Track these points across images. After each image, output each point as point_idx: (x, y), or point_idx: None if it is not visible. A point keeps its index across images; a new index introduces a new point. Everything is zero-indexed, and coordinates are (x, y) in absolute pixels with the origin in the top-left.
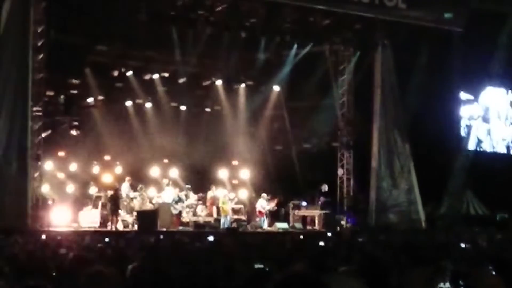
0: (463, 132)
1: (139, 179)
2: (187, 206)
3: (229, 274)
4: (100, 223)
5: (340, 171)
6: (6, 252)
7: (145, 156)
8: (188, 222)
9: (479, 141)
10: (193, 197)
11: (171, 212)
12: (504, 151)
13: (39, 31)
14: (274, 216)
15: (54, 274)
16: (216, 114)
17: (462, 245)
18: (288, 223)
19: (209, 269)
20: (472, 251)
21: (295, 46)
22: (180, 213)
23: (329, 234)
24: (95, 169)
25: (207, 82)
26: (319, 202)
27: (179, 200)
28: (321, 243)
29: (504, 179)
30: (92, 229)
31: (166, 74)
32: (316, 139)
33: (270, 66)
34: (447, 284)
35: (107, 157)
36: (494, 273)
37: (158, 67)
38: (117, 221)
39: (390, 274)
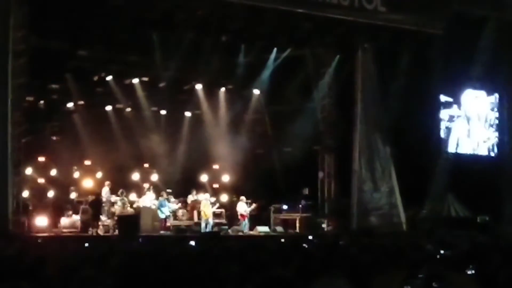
0: (443, 134)
1: (120, 183)
2: (169, 211)
3: (211, 279)
4: (81, 228)
5: (320, 174)
6: None
7: (125, 161)
8: (169, 227)
9: (459, 143)
10: (174, 202)
11: (153, 216)
12: (484, 153)
13: (19, 36)
14: (255, 220)
15: (35, 279)
16: (196, 118)
17: (442, 248)
18: (269, 227)
19: (191, 274)
20: (452, 254)
21: (275, 49)
22: (166, 217)
23: (310, 237)
24: (76, 174)
25: (188, 86)
26: (300, 206)
27: (164, 205)
28: (303, 247)
29: (485, 181)
30: (73, 234)
31: (146, 79)
32: (297, 142)
33: (251, 70)
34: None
35: (87, 162)
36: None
37: (138, 71)
38: (98, 226)
39: (370, 278)
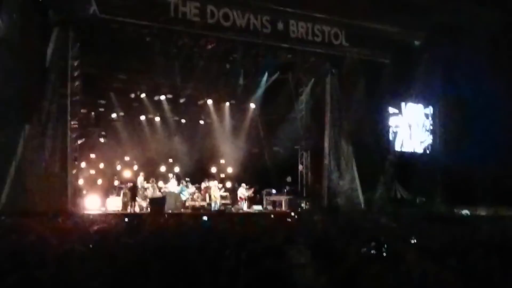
0: (391, 137)
1: (151, 173)
2: (188, 194)
3: (222, 244)
4: (122, 207)
5: (300, 167)
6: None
7: (155, 157)
8: (188, 206)
9: (403, 144)
10: (191, 187)
11: (176, 198)
12: (421, 151)
13: (75, 64)
14: (251, 201)
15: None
16: (208, 125)
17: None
18: (262, 206)
19: (204, 241)
20: (399, 228)
21: (266, 74)
22: (186, 199)
23: (292, 213)
24: (118, 167)
25: (201, 102)
26: (285, 190)
27: (184, 190)
28: (287, 221)
29: (421, 172)
30: (116, 211)
31: (170, 96)
32: (283, 143)
33: (248, 89)
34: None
35: (127, 158)
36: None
37: (164, 90)
38: (134, 205)
39: (336, 245)
